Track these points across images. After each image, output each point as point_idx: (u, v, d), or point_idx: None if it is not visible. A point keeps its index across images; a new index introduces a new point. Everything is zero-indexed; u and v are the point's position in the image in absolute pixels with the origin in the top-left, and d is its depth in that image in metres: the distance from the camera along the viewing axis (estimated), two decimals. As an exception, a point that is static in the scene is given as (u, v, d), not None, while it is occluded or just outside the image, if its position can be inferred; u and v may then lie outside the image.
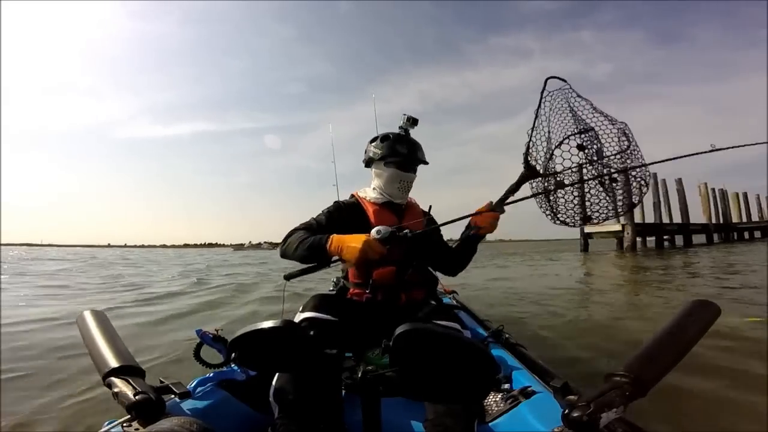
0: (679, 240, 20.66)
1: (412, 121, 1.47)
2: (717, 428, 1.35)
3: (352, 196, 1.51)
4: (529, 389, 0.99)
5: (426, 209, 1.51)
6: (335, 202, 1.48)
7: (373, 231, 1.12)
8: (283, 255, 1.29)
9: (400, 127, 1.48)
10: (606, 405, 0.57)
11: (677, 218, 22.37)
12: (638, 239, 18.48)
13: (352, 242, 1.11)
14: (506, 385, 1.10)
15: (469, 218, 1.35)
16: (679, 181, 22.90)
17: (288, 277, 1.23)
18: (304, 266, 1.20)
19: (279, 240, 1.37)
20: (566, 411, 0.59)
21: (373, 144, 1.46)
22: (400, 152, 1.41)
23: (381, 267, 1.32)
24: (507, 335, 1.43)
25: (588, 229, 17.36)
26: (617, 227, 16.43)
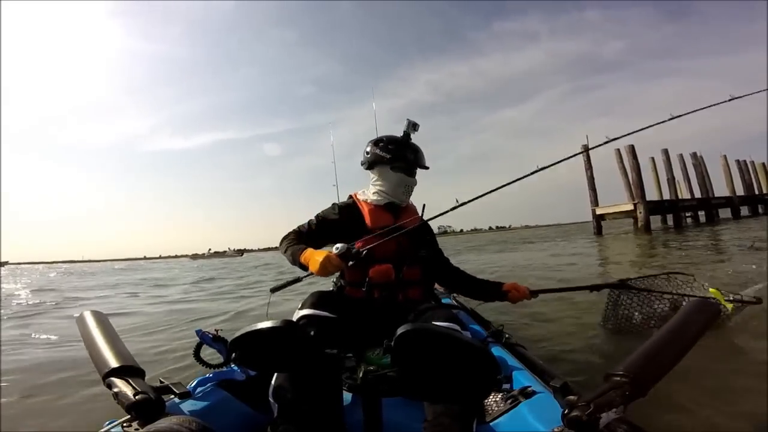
0: (702, 217, 19.61)
1: (415, 126, 1.48)
2: (717, 428, 1.35)
3: (350, 197, 1.53)
4: (529, 389, 0.99)
5: (420, 209, 1.53)
6: (333, 204, 1.50)
7: (333, 247, 1.24)
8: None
9: (405, 132, 1.48)
10: (606, 405, 0.57)
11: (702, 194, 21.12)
12: (658, 217, 17.85)
13: (317, 256, 1.22)
14: (506, 385, 1.10)
15: (505, 285, 1.56)
16: (694, 155, 21.82)
17: (274, 290, 1.31)
18: (290, 280, 1.33)
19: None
20: (566, 411, 0.59)
21: (378, 147, 1.46)
22: (407, 158, 1.44)
23: (377, 265, 1.33)
24: (507, 335, 1.43)
25: (599, 210, 16.98)
26: (629, 206, 15.88)
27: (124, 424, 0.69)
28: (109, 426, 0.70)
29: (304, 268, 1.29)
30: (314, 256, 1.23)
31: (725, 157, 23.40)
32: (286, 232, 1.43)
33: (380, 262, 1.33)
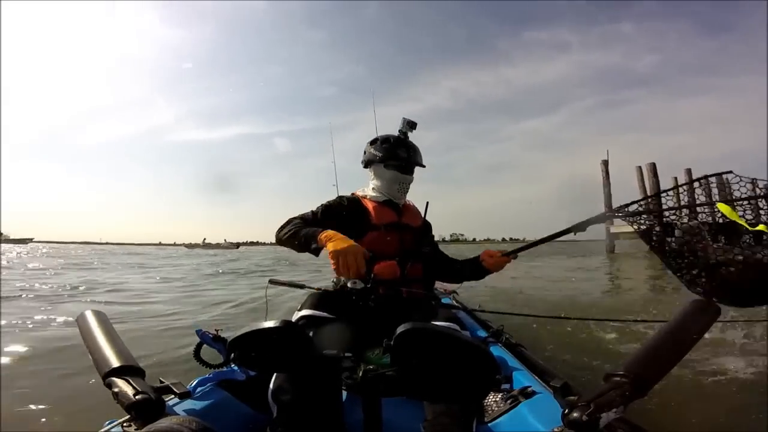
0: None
1: (411, 125, 1.51)
2: (717, 428, 1.35)
3: (353, 194, 1.54)
4: (529, 389, 0.99)
5: (422, 210, 1.54)
6: (339, 196, 1.51)
7: (350, 281, 1.15)
8: (279, 241, 1.32)
9: (400, 131, 1.51)
10: (606, 405, 0.57)
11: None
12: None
13: (342, 239, 1.13)
14: (506, 385, 1.10)
15: (480, 255, 1.47)
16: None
17: (272, 282, 1.31)
18: (294, 282, 1.28)
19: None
20: (566, 411, 0.59)
21: (373, 146, 1.50)
22: (400, 156, 1.46)
23: (381, 261, 1.34)
24: (507, 335, 1.43)
25: (614, 229, 16.50)
26: (644, 226, 15.71)
27: (124, 424, 0.69)
28: (109, 426, 0.70)
29: (316, 251, 1.18)
30: (340, 238, 1.13)
31: (754, 180, 22.55)
32: (285, 220, 1.35)
33: (385, 258, 1.35)
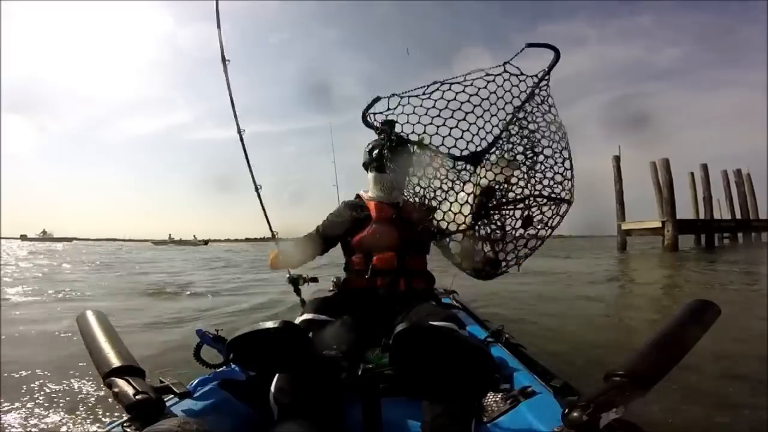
0: (741, 239, 18.50)
1: (389, 124, 1.54)
2: (717, 428, 1.35)
3: (357, 196, 1.58)
4: (529, 389, 0.98)
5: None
6: (343, 202, 1.56)
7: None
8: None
9: (380, 131, 1.55)
10: (606, 405, 0.57)
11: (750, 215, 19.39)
12: (691, 237, 17.00)
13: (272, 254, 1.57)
14: (506, 385, 1.10)
15: None
16: (738, 173, 20.13)
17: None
18: None
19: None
20: (566, 411, 0.59)
21: (365, 152, 1.56)
22: (376, 157, 1.50)
23: (380, 253, 1.36)
24: (507, 335, 1.43)
25: (626, 226, 16.14)
26: (656, 224, 15.08)
27: (125, 424, 0.69)
28: (110, 426, 0.70)
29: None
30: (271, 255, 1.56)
31: (775, 175, 20.80)
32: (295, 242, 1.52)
33: (383, 250, 1.37)
